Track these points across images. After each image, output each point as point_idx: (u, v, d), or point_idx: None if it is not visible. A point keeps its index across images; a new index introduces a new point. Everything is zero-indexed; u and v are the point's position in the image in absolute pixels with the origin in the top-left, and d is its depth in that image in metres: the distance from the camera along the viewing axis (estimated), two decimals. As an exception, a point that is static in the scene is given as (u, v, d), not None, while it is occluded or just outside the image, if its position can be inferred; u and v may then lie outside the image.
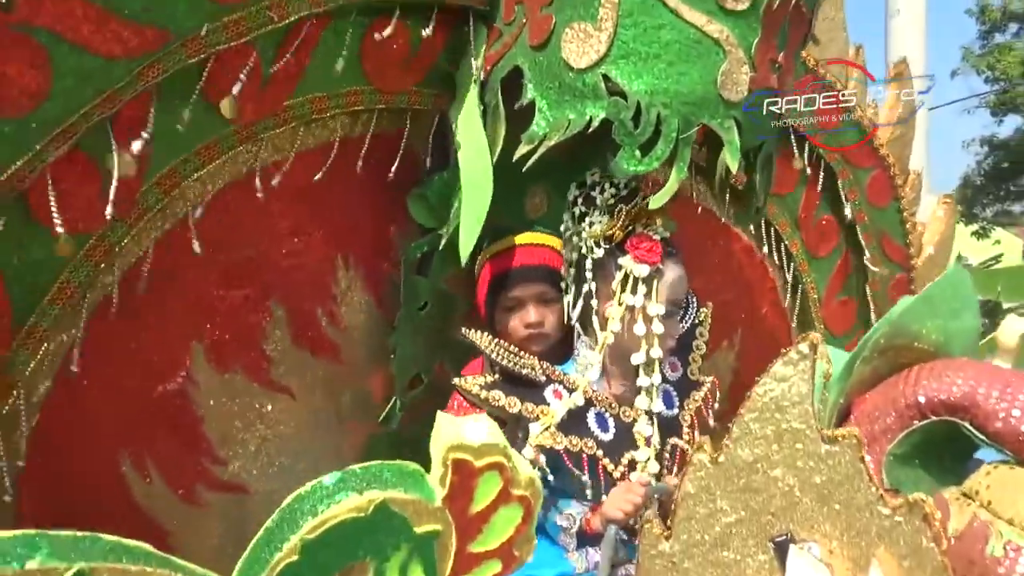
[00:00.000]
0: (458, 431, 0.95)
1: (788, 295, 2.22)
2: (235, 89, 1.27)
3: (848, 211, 2.14)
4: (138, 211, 1.26)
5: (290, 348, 1.54)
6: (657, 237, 1.46)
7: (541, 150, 1.36)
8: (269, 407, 1.54)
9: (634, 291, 1.44)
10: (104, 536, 0.74)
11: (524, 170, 1.39)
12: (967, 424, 1.01)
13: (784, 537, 1.02)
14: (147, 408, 1.39)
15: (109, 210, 1.17)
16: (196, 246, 1.35)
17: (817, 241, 2.18)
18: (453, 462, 0.92)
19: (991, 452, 1.05)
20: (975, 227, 18.11)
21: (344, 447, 1.64)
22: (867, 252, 2.19)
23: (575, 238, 1.51)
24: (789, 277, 2.21)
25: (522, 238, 1.60)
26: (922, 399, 1.05)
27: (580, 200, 1.52)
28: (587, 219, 1.49)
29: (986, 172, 18.15)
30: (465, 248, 1.43)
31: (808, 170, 2.08)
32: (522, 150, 1.37)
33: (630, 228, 1.46)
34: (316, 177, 1.46)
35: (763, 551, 1.04)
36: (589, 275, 1.47)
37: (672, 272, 1.47)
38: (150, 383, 1.39)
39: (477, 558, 0.99)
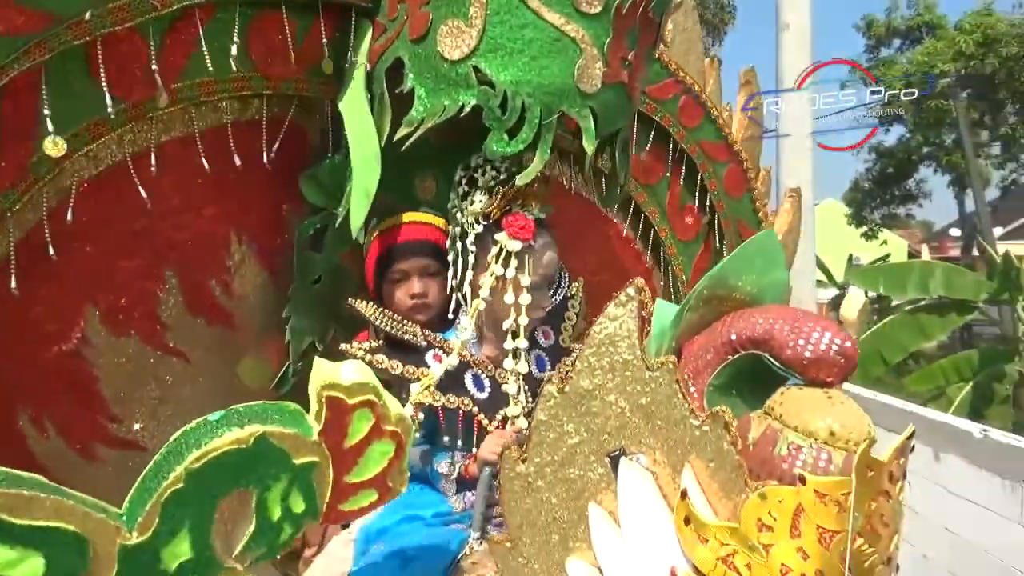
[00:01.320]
0: (332, 372, 1.06)
1: (659, 276, 2.41)
2: (158, 81, 1.39)
3: (708, 200, 2.34)
4: (30, 180, 1.34)
5: (184, 315, 1.63)
6: (531, 217, 1.64)
7: (419, 132, 1.49)
8: (164, 370, 1.62)
9: (506, 264, 1.61)
10: None
11: (415, 156, 1.52)
12: (767, 355, 1.22)
13: (617, 452, 1.20)
14: (44, 367, 1.46)
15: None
16: (84, 217, 1.43)
17: (683, 228, 2.37)
18: (327, 399, 1.04)
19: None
20: (864, 229, 19.22)
21: None
22: (726, 237, 2.39)
23: (459, 215, 1.66)
24: (660, 260, 2.39)
25: (407, 216, 1.75)
26: (733, 336, 1.25)
27: (464, 180, 1.67)
28: (469, 198, 1.64)
29: (874, 177, 19.25)
30: (355, 223, 1.55)
31: (672, 163, 2.26)
32: (402, 132, 1.50)
33: (507, 208, 1.63)
34: (210, 157, 1.54)
35: (601, 465, 1.22)
36: (470, 249, 1.64)
37: (543, 249, 1.65)
38: (46, 344, 1.46)
39: (354, 488, 1.10)
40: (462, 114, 1.47)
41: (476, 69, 1.45)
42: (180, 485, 0.92)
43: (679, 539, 1.11)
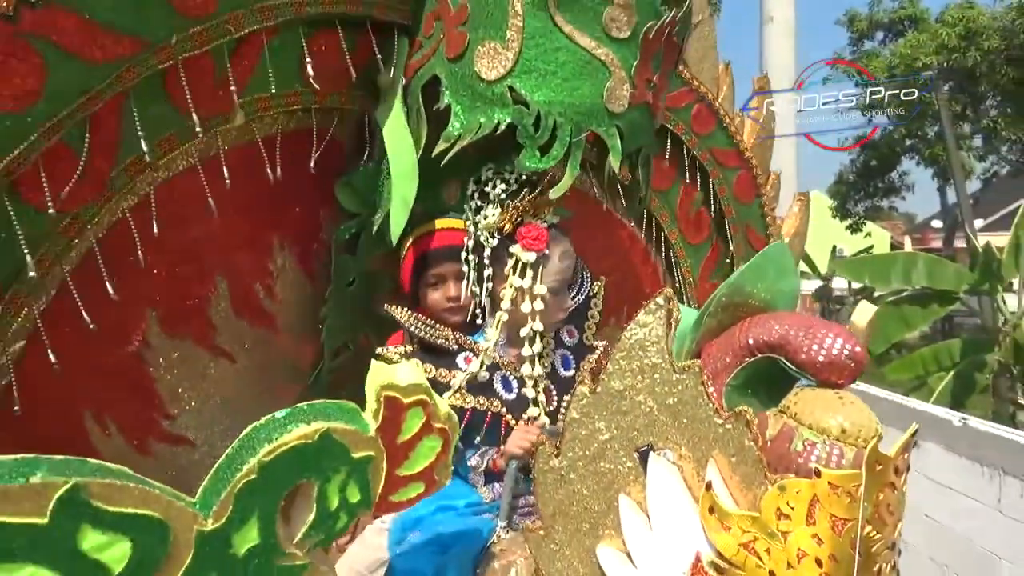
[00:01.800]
0: (389, 374, 1.15)
1: (668, 278, 2.51)
2: (234, 99, 1.49)
3: (718, 206, 2.43)
4: (108, 193, 1.43)
5: (232, 318, 1.73)
6: (544, 225, 1.70)
7: (457, 147, 1.57)
8: (213, 370, 1.72)
9: (523, 275, 1.68)
10: (90, 460, 0.88)
11: (441, 164, 1.59)
12: (782, 358, 1.32)
13: (646, 447, 1.30)
14: (108, 368, 1.56)
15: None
16: (148, 227, 1.52)
17: (692, 231, 2.46)
18: (385, 399, 1.12)
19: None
20: (849, 221, 19.42)
21: (278, 407, 1.85)
22: (733, 242, 2.49)
23: (472, 228, 1.73)
24: (669, 262, 2.49)
25: (443, 223, 1.82)
26: (751, 341, 1.35)
27: (476, 195, 1.73)
28: (482, 212, 1.71)
29: (858, 170, 19.40)
30: (395, 231, 1.65)
31: (685, 170, 2.36)
32: (441, 147, 1.58)
33: (519, 220, 1.69)
34: (258, 168, 1.64)
35: (630, 460, 1.32)
36: (487, 261, 1.71)
37: (558, 255, 1.72)
38: (111, 346, 1.56)
39: (404, 480, 1.20)
40: (497, 132, 1.55)
41: (511, 89, 1.52)
42: (253, 476, 0.99)
43: (704, 527, 1.20)
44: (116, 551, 0.90)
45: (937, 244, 22.23)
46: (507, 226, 1.69)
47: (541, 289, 1.68)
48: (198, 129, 1.51)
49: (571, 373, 1.81)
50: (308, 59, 1.61)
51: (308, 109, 1.69)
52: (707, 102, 2.26)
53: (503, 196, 1.69)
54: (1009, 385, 8.38)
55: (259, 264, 1.76)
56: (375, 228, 1.74)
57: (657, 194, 2.33)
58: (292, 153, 1.69)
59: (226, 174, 1.59)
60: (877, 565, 1.15)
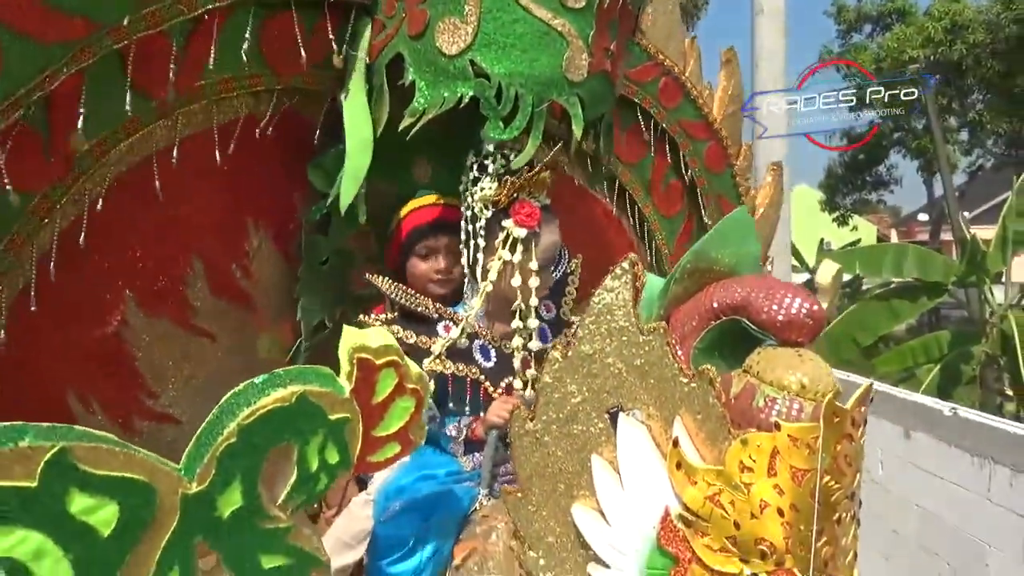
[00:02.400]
0: (361, 336, 1.19)
1: (643, 250, 2.50)
2: (171, 76, 1.49)
3: (689, 177, 2.42)
4: (74, 174, 1.44)
5: (209, 297, 1.75)
6: (537, 205, 1.73)
7: (422, 122, 1.60)
8: (193, 348, 1.74)
9: (513, 250, 1.70)
10: (75, 426, 0.91)
11: (409, 142, 1.62)
12: (745, 319, 1.36)
13: (615, 408, 1.34)
14: (89, 348, 1.58)
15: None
16: (122, 208, 1.53)
17: (666, 204, 2.46)
18: (357, 361, 1.16)
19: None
20: (836, 214, 19.51)
21: None
22: (707, 213, 2.48)
23: (469, 198, 1.75)
24: (644, 235, 2.48)
25: (437, 199, 1.86)
26: (715, 304, 1.38)
27: (476, 167, 1.74)
28: (479, 184, 1.73)
29: (846, 163, 19.50)
30: (344, 200, 1.65)
31: (655, 142, 2.35)
32: (406, 122, 1.61)
33: (515, 196, 1.72)
34: (228, 149, 1.65)
35: (601, 420, 1.35)
36: (480, 232, 1.73)
37: (547, 235, 1.75)
38: (91, 327, 1.58)
39: (380, 441, 1.23)
40: (460, 105, 1.57)
41: (472, 63, 1.55)
42: (233, 440, 1.02)
43: (671, 483, 1.24)
44: (104, 513, 0.93)
45: (923, 237, 22.34)
46: (503, 200, 1.71)
47: (535, 265, 1.71)
48: (159, 110, 1.52)
49: (548, 346, 1.84)
50: (265, 40, 1.62)
51: (272, 90, 1.70)
52: (673, 75, 2.26)
53: (501, 171, 1.71)
54: (996, 376, 8.46)
55: (234, 244, 1.78)
56: (336, 205, 1.74)
57: (629, 167, 2.33)
58: (262, 135, 1.71)
59: (192, 156, 1.60)
60: (837, 514, 1.19)
